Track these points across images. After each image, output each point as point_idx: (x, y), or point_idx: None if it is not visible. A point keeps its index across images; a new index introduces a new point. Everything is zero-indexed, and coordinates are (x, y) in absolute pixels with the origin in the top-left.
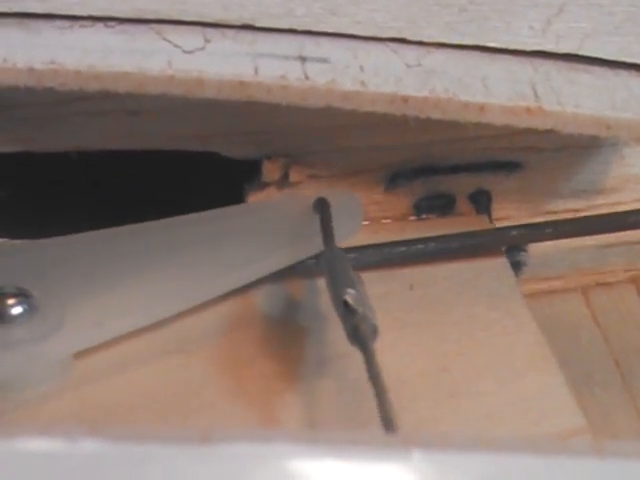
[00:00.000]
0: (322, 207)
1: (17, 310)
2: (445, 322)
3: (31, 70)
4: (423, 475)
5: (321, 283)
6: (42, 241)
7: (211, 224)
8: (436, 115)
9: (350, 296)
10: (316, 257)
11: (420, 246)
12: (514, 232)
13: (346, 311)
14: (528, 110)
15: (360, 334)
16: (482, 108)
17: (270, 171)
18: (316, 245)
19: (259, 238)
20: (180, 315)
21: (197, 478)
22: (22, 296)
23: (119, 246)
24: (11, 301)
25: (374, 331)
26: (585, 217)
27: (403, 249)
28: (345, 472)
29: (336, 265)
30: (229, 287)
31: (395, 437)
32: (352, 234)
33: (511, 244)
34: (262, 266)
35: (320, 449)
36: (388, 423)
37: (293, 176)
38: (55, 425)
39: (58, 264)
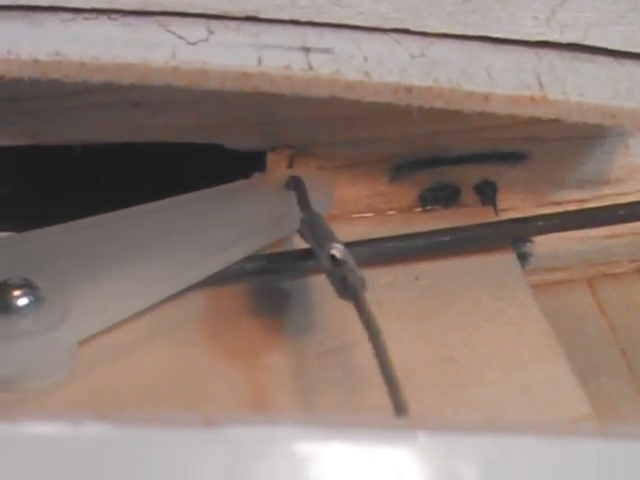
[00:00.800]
0: (296, 184)
1: (23, 301)
2: (451, 312)
3: (35, 62)
4: (428, 457)
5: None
6: (38, 231)
7: (193, 206)
8: (440, 105)
9: (337, 250)
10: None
11: (424, 241)
12: (520, 225)
13: (334, 264)
14: (532, 99)
15: (350, 284)
16: (486, 97)
17: (274, 162)
18: (293, 223)
19: (240, 219)
20: (186, 303)
21: (202, 462)
22: (28, 287)
23: (112, 231)
24: (17, 292)
25: (363, 283)
26: (591, 209)
27: (408, 243)
28: (350, 454)
29: (316, 226)
30: (214, 269)
31: (401, 420)
32: (325, 210)
33: (517, 236)
34: (247, 244)
35: (325, 432)
36: (389, 378)
37: (298, 168)
38: (61, 411)
39: (58, 253)
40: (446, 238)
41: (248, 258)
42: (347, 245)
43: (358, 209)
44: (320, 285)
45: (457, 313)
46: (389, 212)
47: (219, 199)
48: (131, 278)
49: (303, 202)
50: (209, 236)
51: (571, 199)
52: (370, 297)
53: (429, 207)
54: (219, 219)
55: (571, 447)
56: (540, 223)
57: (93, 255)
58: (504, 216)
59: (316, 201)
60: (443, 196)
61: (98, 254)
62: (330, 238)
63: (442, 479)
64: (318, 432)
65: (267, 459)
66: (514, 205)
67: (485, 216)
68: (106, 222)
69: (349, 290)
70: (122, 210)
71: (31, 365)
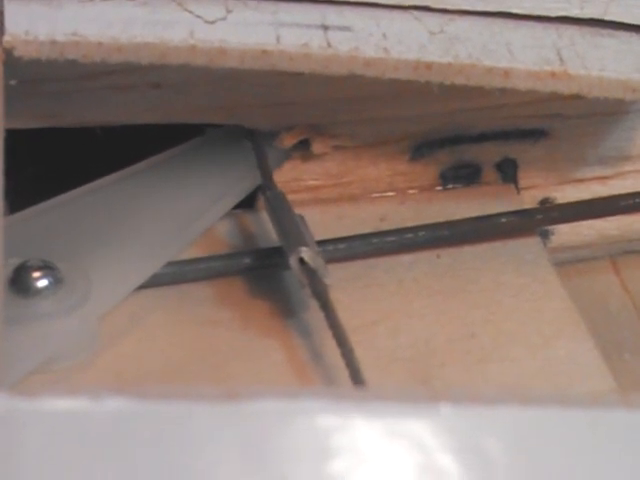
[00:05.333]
0: (253, 139)
1: (43, 283)
2: (473, 289)
3: (53, 42)
4: (451, 429)
5: None
6: (42, 205)
7: (172, 163)
8: (460, 81)
9: (305, 253)
10: None
11: (447, 232)
12: (544, 214)
13: (302, 268)
14: (553, 74)
15: (316, 289)
16: (507, 73)
17: (285, 140)
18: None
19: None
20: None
21: (225, 435)
22: (47, 268)
23: (107, 197)
24: (36, 274)
25: (326, 289)
26: (612, 197)
27: (427, 233)
28: (373, 427)
29: (279, 212)
30: (217, 215)
31: (423, 392)
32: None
33: (541, 225)
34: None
35: (347, 405)
36: (355, 374)
37: (317, 147)
38: (81, 387)
39: (59, 227)
40: (469, 228)
41: (249, 253)
42: (368, 237)
43: (379, 188)
44: (341, 267)
45: (479, 290)
46: (410, 191)
47: (191, 155)
48: (140, 240)
49: (263, 171)
50: (194, 191)
51: (592, 176)
52: (391, 276)
53: (450, 186)
54: (198, 174)
55: (596, 418)
56: (565, 212)
57: (97, 224)
58: (525, 194)
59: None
60: (464, 174)
61: (101, 222)
62: (298, 239)
63: (466, 452)
64: (340, 405)
65: (289, 432)
66: (535, 183)
67: (506, 194)
68: (96, 190)
69: (315, 293)
70: (107, 176)
71: (56, 347)
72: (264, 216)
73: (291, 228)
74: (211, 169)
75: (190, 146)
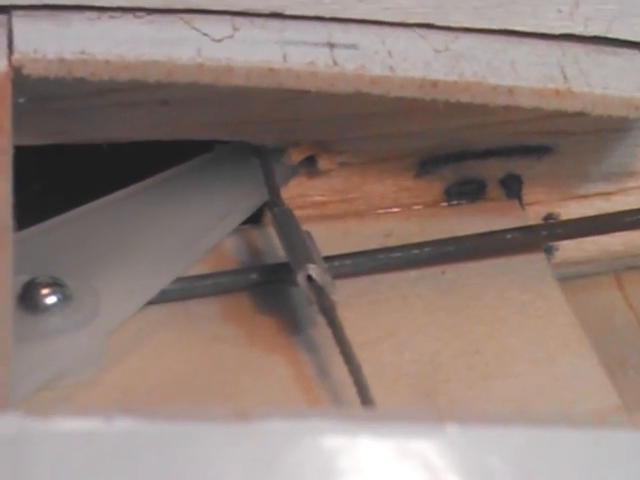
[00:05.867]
0: (262, 157)
1: (52, 300)
2: (477, 305)
3: (61, 60)
4: (458, 450)
5: None
6: (50, 222)
7: (179, 180)
8: (465, 99)
9: (313, 270)
10: None
11: (451, 247)
12: (548, 231)
13: (310, 285)
14: (557, 92)
15: (324, 305)
16: (511, 91)
17: (292, 156)
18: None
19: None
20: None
21: (233, 455)
22: (55, 285)
23: (114, 214)
24: (45, 291)
25: (333, 306)
26: (617, 213)
27: (432, 248)
28: (380, 448)
29: (286, 228)
30: (223, 233)
31: (430, 412)
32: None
33: (545, 241)
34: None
35: (355, 425)
36: (363, 392)
37: (323, 164)
38: (92, 407)
39: (67, 245)
40: (474, 243)
41: (256, 268)
42: (374, 253)
43: (384, 204)
44: (346, 283)
45: (483, 306)
46: (415, 207)
47: (199, 171)
48: (148, 257)
49: (270, 187)
50: (202, 207)
51: (596, 192)
52: (396, 292)
53: (455, 201)
54: (206, 190)
55: (602, 438)
56: (570, 228)
57: (105, 241)
58: (529, 209)
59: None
60: (468, 190)
61: (109, 239)
62: (305, 255)
63: (472, 472)
64: (347, 425)
65: (297, 452)
66: (539, 199)
67: (511, 210)
68: (104, 206)
69: (322, 310)
70: (115, 193)
71: (64, 363)
72: (271, 231)
73: (298, 244)
74: (218, 186)
75: (197, 163)
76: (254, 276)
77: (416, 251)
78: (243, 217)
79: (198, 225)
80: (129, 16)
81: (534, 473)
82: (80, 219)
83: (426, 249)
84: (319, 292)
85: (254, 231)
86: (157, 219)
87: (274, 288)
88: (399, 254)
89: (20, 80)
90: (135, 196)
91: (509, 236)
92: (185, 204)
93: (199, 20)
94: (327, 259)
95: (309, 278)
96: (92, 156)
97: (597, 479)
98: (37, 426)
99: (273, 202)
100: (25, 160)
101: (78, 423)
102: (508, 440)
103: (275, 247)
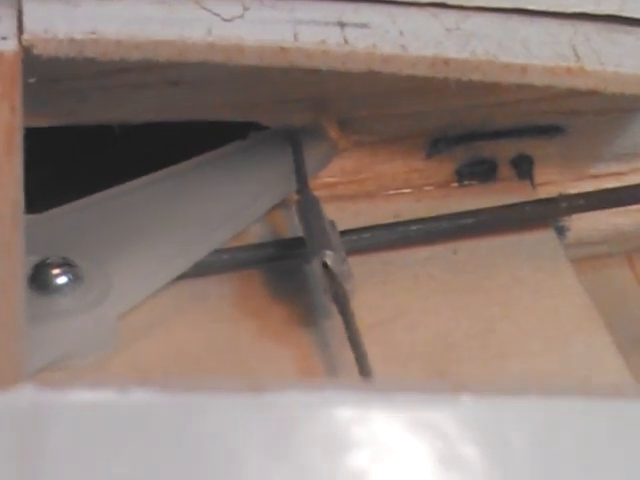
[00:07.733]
0: (294, 144)
1: (62, 280)
2: (490, 285)
3: (72, 40)
4: (473, 420)
5: None
6: (68, 206)
7: (204, 169)
8: (477, 77)
9: (329, 257)
10: None
11: (463, 221)
12: (560, 204)
13: (325, 272)
14: (569, 70)
15: (337, 294)
16: (523, 69)
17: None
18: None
19: (253, 175)
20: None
21: (248, 427)
22: (66, 266)
23: (133, 200)
24: (56, 271)
25: (347, 296)
26: (630, 186)
27: (446, 223)
28: (395, 419)
29: (309, 215)
30: (240, 226)
31: (445, 383)
32: (323, 165)
33: (555, 216)
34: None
35: (369, 396)
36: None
37: (341, 143)
38: (106, 379)
39: (87, 227)
40: (484, 218)
41: (268, 244)
42: (379, 228)
43: (395, 185)
44: (357, 262)
45: (496, 286)
46: (426, 188)
47: (229, 158)
48: (166, 243)
49: (299, 176)
50: (228, 194)
51: (608, 172)
52: (407, 271)
53: (466, 182)
54: (235, 177)
55: (618, 408)
56: (580, 202)
57: (123, 225)
58: (541, 190)
59: (314, 157)
60: (480, 171)
61: (127, 224)
62: (322, 241)
63: (488, 442)
64: (362, 397)
65: (312, 424)
66: (551, 179)
67: (522, 190)
68: (125, 192)
69: (335, 298)
70: (136, 180)
71: (74, 343)
72: (292, 213)
73: (318, 231)
74: (248, 173)
75: (230, 149)
76: (270, 250)
77: (432, 224)
78: (269, 205)
79: (221, 213)
80: None
81: (550, 444)
82: (98, 203)
83: (442, 223)
84: (333, 279)
85: (276, 212)
86: (178, 205)
87: (290, 267)
88: (413, 227)
89: (30, 60)
90: (158, 182)
91: (527, 208)
92: (210, 191)
93: (209, 0)
94: (343, 233)
95: (324, 265)
96: (103, 140)
97: (613, 449)
98: (52, 398)
99: (300, 189)
100: (35, 143)
101: (93, 395)
102: (524, 410)
103: (296, 228)
